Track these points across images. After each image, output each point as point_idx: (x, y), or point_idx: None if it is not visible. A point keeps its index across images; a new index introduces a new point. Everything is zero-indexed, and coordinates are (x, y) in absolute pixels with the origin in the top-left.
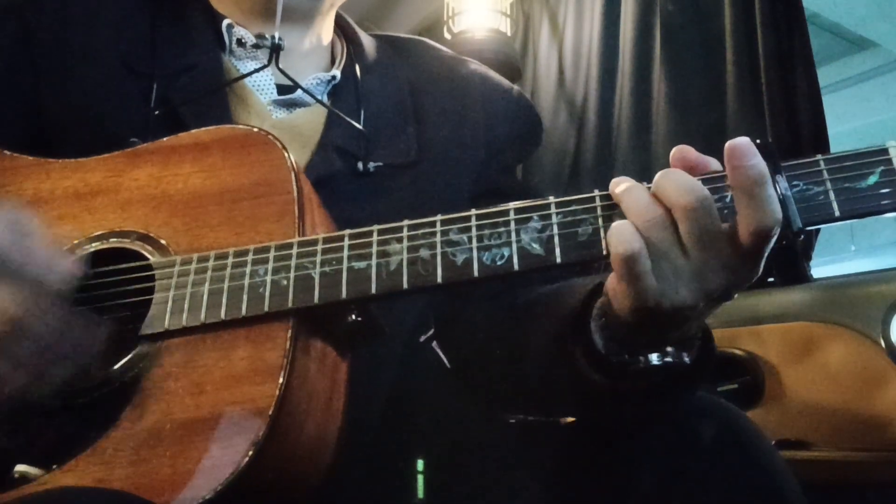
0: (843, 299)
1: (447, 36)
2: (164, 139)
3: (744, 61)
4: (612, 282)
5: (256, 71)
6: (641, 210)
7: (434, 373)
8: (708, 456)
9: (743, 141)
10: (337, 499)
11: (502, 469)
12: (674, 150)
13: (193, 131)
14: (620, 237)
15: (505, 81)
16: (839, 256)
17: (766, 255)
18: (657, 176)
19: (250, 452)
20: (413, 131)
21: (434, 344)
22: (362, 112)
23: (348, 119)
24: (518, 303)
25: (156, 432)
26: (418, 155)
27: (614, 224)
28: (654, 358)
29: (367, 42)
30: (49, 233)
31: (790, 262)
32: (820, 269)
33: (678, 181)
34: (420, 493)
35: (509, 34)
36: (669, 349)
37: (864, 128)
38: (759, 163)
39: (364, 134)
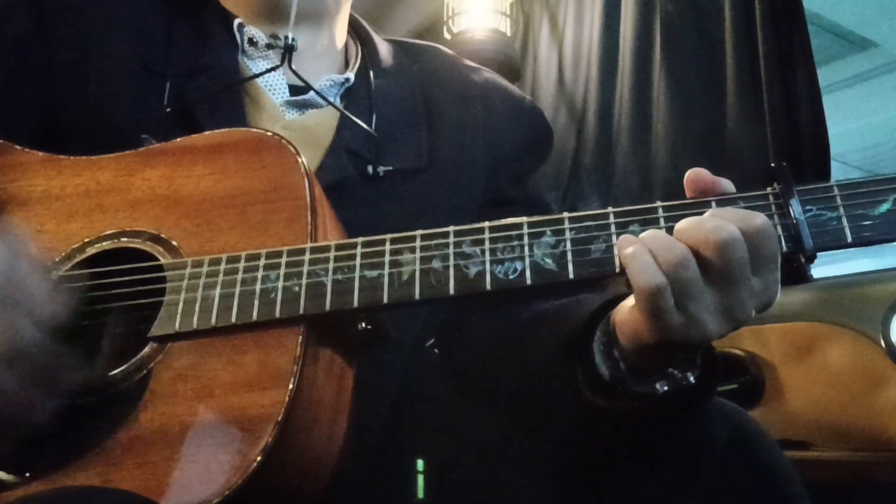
0: (843, 299)
1: (447, 36)
2: (177, 140)
3: (744, 61)
4: (633, 319)
5: (269, 71)
6: (664, 250)
7: (438, 378)
8: (714, 458)
9: (693, 171)
10: (339, 501)
11: (505, 472)
12: (688, 172)
13: (206, 133)
14: (644, 272)
15: (517, 91)
16: (839, 256)
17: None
18: (678, 225)
19: (258, 458)
20: (425, 136)
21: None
22: (374, 116)
23: (360, 122)
24: (522, 317)
25: (164, 435)
26: (429, 160)
27: (633, 257)
28: (660, 386)
29: (382, 46)
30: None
31: (789, 261)
32: (820, 269)
33: (701, 221)
34: (420, 494)
35: (509, 34)
36: (676, 372)
37: (864, 128)
38: (720, 179)
39: (375, 137)
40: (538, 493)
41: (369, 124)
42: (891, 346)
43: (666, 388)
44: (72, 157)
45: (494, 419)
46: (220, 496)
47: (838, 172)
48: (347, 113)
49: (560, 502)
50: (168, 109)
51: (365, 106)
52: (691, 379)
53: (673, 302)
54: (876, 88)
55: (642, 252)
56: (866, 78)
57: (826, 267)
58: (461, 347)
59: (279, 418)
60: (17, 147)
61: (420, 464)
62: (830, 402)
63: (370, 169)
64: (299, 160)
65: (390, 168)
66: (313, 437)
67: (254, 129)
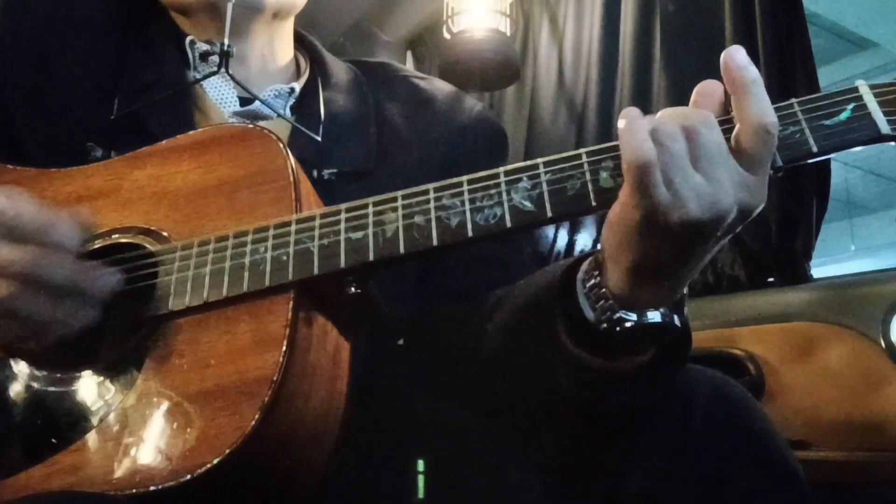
0: (843, 299)
1: (447, 36)
2: (163, 142)
3: None
4: (622, 201)
5: (208, 76)
6: (658, 124)
7: (410, 375)
8: (697, 421)
9: (737, 48)
10: (336, 499)
11: (502, 468)
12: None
13: (191, 133)
14: (634, 142)
15: (469, 99)
16: (839, 256)
17: (768, 166)
18: (664, 110)
19: (256, 416)
20: (374, 140)
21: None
22: (321, 125)
23: (306, 130)
24: (487, 302)
25: (163, 408)
26: (377, 163)
27: (626, 128)
28: (652, 316)
29: (335, 63)
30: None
31: (789, 261)
32: (820, 269)
33: (680, 108)
34: (420, 493)
35: (509, 34)
36: (661, 310)
37: None
38: (752, 67)
39: (318, 142)
40: (535, 488)
41: (317, 133)
42: (891, 346)
43: (658, 318)
44: (62, 170)
45: (473, 406)
46: (220, 455)
47: (838, 172)
48: (292, 121)
49: (556, 497)
50: (112, 117)
51: (314, 115)
52: (677, 322)
53: (660, 176)
54: None
55: (638, 127)
56: (866, 78)
57: (826, 267)
58: (429, 337)
59: (275, 377)
60: (9, 166)
61: (420, 464)
62: (830, 402)
63: (315, 173)
64: (281, 146)
65: (335, 170)
66: (311, 405)
67: (237, 124)
